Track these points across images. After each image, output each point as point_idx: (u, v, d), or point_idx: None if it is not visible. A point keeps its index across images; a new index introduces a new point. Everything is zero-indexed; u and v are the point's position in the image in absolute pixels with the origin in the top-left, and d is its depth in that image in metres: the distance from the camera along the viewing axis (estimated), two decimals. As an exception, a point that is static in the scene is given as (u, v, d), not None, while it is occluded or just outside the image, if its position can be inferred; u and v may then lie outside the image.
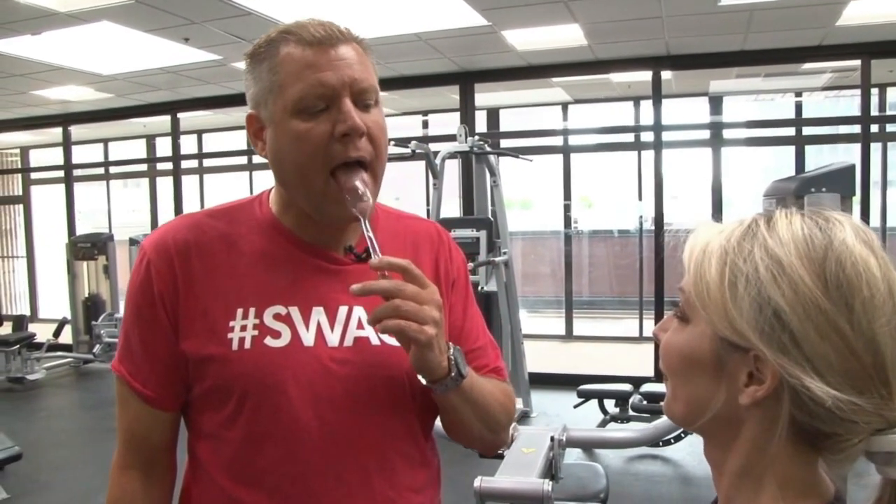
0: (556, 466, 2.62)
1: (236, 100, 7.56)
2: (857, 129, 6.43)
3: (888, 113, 8.05)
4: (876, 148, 7.22)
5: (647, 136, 7.33)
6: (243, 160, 9.09)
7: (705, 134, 7.97)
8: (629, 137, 8.14)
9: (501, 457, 2.56)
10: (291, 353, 1.16)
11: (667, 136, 7.03)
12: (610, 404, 5.60)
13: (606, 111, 10.03)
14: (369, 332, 1.20)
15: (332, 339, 1.18)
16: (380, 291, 1.06)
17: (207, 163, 9.85)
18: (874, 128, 6.75)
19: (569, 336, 9.36)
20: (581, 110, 9.29)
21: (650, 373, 6.82)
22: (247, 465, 1.17)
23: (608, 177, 11.01)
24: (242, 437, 1.16)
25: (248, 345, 1.15)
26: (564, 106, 8.93)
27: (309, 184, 1.14)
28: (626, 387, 5.58)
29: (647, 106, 8.10)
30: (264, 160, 1.21)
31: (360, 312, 1.20)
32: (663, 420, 3.00)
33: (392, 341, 1.19)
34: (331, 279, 1.22)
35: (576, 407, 5.68)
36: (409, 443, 1.25)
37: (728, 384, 0.75)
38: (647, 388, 5.57)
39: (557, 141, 8.53)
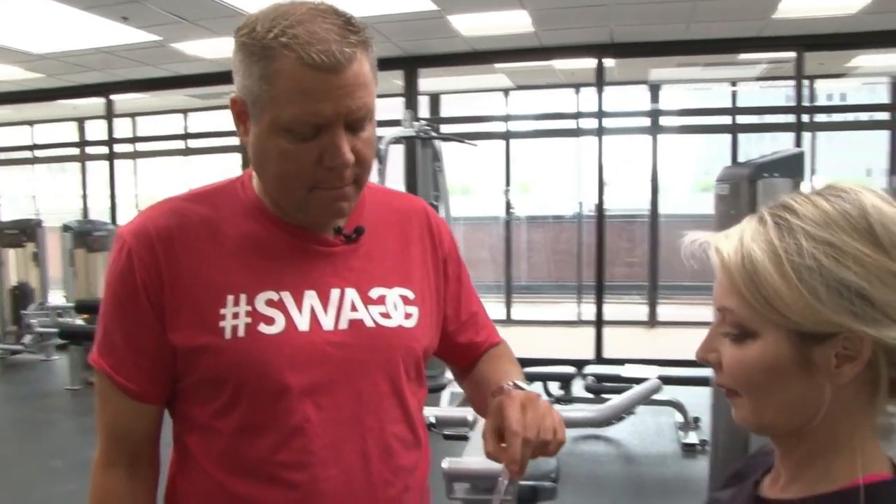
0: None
1: (175, 82, 7.39)
2: (790, 118, 6.63)
3: (818, 104, 8.34)
4: (805, 138, 7.47)
5: (587, 123, 7.43)
6: (180, 145, 8.88)
7: (644, 121, 8.13)
8: (570, 124, 8.23)
9: (465, 438, 2.59)
10: (287, 339, 1.13)
11: (606, 122, 7.14)
12: (554, 387, 5.67)
13: (546, 98, 10.13)
14: (363, 314, 1.18)
15: (327, 322, 1.16)
16: (522, 460, 1.06)
17: (142, 147, 9.58)
18: (805, 118, 6.99)
19: (508, 320, 9.44)
20: (522, 97, 9.35)
21: (590, 355, 6.96)
22: (242, 455, 1.14)
23: (546, 163, 11.13)
24: (237, 427, 1.13)
25: (241, 333, 1.12)
26: (506, 92, 8.99)
27: (288, 193, 1.13)
28: (570, 369, 5.67)
29: (587, 93, 8.22)
30: (201, 146, 1.17)
31: (352, 295, 1.19)
32: (618, 399, 3.08)
33: (386, 322, 1.19)
34: (321, 262, 1.19)
35: (521, 390, 5.74)
36: (404, 426, 1.24)
37: (823, 374, 0.76)
38: (591, 369, 5.68)
39: (499, 127, 8.57)
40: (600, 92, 6.95)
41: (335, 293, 1.17)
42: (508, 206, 9.26)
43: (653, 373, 5.15)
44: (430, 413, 2.78)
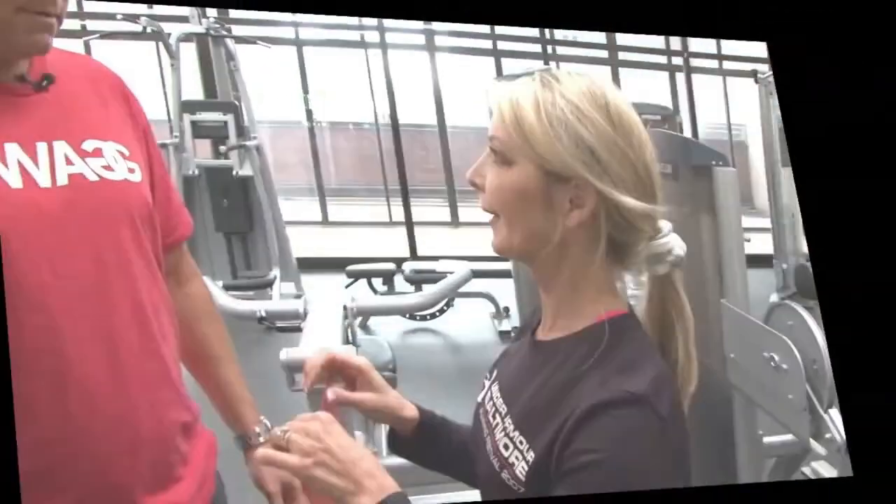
0: (353, 334, 2.62)
1: None
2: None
3: None
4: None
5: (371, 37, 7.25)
6: None
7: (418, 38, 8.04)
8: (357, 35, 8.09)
9: (299, 329, 2.53)
10: (1, 198, 0.95)
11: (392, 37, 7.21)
12: (378, 282, 5.77)
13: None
14: (81, 167, 1.03)
15: (43, 179, 0.99)
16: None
17: None
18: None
19: (326, 222, 9.32)
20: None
21: (406, 253, 7.14)
22: None
23: (341, 71, 10.87)
24: None
25: None
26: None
27: None
28: (391, 265, 5.76)
29: None
30: None
31: (63, 148, 1.03)
32: (436, 287, 3.14)
33: (110, 175, 1.06)
34: (15, 113, 1.02)
35: (347, 287, 5.74)
36: (154, 285, 1.11)
37: (558, 212, 0.92)
38: (410, 265, 5.77)
39: (289, 33, 8.15)
40: None
41: (42, 147, 1.01)
42: (309, 112, 8.92)
43: (464, 266, 5.33)
44: (260, 306, 2.70)
